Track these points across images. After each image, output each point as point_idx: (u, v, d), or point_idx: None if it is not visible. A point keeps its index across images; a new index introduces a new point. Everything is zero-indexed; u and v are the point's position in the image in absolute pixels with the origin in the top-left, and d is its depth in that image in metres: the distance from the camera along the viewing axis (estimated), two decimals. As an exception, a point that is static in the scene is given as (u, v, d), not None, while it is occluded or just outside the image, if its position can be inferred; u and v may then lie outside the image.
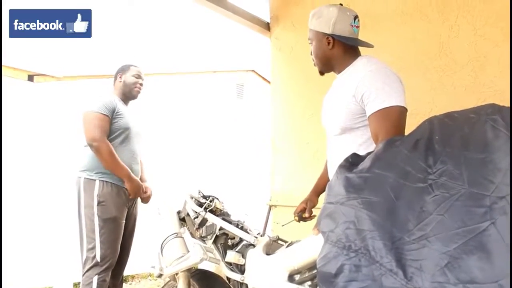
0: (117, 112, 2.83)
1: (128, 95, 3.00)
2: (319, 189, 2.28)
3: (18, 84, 4.69)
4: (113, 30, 7.43)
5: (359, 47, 1.99)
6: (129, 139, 2.90)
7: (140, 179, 3.08)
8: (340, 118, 1.88)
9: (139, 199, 3.06)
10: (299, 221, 2.25)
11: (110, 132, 2.82)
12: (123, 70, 3.02)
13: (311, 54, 2.02)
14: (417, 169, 1.21)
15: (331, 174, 1.50)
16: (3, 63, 4.04)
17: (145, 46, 7.61)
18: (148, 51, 7.36)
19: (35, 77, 4.89)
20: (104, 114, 2.77)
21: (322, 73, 2.06)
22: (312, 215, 2.20)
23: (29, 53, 5.22)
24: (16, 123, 4.51)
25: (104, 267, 2.68)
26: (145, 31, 8.24)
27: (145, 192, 3.01)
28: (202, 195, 2.32)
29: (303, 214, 2.22)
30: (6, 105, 4.11)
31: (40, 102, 4.83)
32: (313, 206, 2.23)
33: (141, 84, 3.03)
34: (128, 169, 2.80)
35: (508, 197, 1.01)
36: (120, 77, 3.00)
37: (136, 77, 3.00)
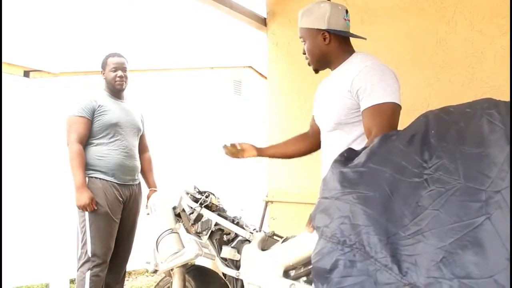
0: (98, 110, 2.81)
1: (113, 89, 2.95)
2: (264, 151, 2.32)
3: (14, 80, 4.67)
4: (110, 25, 7.41)
5: (354, 45, 1.99)
6: (120, 135, 2.87)
7: (144, 175, 3.09)
8: (334, 113, 1.87)
9: (140, 195, 3.06)
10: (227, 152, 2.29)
11: (95, 131, 2.82)
12: (103, 65, 2.96)
13: (304, 53, 2.01)
14: (412, 164, 1.21)
15: (325, 170, 1.50)
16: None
17: (142, 42, 7.59)
18: (145, 47, 7.34)
19: (31, 73, 4.86)
20: (82, 116, 2.77)
21: (317, 71, 2.05)
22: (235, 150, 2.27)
23: (25, 49, 5.20)
24: (12, 119, 4.49)
25: (96, 262, 2.67)
26: (142, 27, 8.22)
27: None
28: (197, 190, 2.31)
29: (232, 147, 2.27)
30: (2, 101, 4.09)
31: (36, 98, 4.81)
32: (243, 152, 2.28)
33: (121, 77, 2.91)
34: (82, 179, 2.67)
35: (503, 191, 1.00)
36: (102, 73, 2.96)
37: (114, 71, 2.90)
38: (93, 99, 2.84)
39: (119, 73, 2.91)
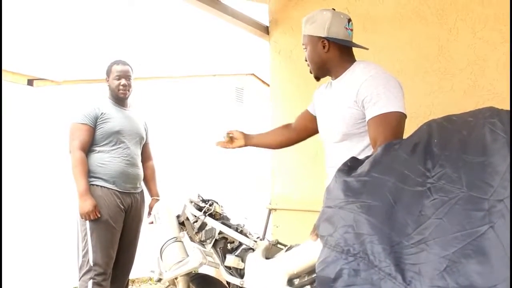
0: (101, 118, 2.82)
1: (116, 97, 2.94)
2: (250, 140, 2.44)
3: (17, 89, 4.70)
4: (112, 34, 7.45)
5: (356, 53, 1.99)
6: (122, 142, 2.87)
7: (146, 184, 3.10)
8: (341, 124, 1.87)
9: (143, 204, 3.06)
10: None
11: (97, 139, 2.82)
12: (107, 72, 2.96)
13: (306, 60, 2.03)
14: (415, 173, 1.21)
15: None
16: (2, 68, 4.05)
17: (145, 49, 7.63)
18: (148, 54, 7.38)
19: (34, 81, 4.90)
20: (84, 124, 2.77)
21: (318, 78, 2.06)
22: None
23: (29, 58, 5.24)
24: (15, 127, 4.51)
25: (97, 271, 2.65)
26: (145, 35, 8.27)
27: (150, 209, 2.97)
28: (201, 199, 2.31)
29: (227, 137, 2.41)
30: (6, 110, 4.12)
31: (39, 106, 4.84)
32: (232, 141, 2.45)
33: (124, 85, 2.90)
34: (85, 187, 2.67)
35: (506, 200, 1.01)
36: (107, 80, 2.96)
37: (118, 79, 2.89)
38: (96, 106, 2.85)
39: (123, 81, 2.90)
